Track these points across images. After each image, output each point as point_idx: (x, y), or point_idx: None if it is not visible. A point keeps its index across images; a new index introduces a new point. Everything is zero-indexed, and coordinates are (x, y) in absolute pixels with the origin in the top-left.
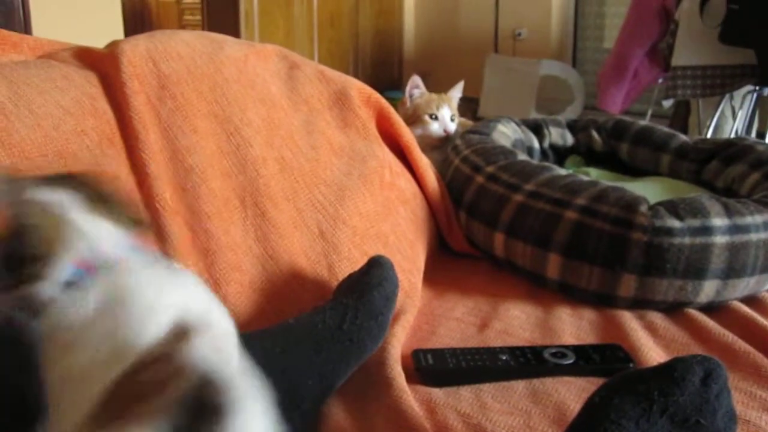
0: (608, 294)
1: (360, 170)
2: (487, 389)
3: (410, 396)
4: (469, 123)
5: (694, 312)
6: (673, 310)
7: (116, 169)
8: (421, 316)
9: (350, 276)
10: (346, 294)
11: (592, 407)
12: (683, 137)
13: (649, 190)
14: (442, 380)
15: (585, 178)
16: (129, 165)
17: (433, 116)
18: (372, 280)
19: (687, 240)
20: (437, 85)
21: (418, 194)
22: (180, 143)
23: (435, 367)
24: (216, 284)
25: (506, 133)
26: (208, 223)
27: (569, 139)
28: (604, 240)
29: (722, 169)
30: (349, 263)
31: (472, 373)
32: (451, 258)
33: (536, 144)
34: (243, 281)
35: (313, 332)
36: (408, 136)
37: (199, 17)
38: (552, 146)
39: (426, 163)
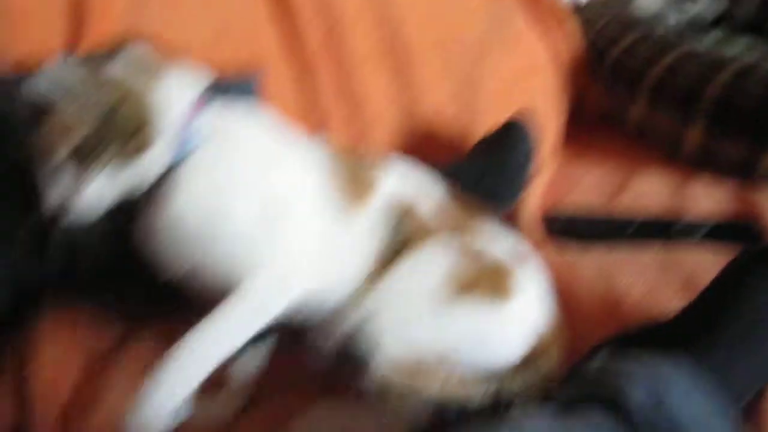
0: (750, 163)
1: (500, 32)
2: (617, 254)
3: (543, 253)
4: None
5: None
6: None
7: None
8: (553, 180)
9: (488, 135)
10: (485, 152)
11: (722, 279)
12: None
13: None
14: (573, 243)
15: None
16: (279, 14)
17: None
18: (508, 142)
19: None
20: None
21: (556, 60)
22: None
23: (568, 228)
24: (362, 131)
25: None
26: (356, 72)
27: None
28: (753, 107)
29: None
30: (485, 123)
31: (603, 238)
32: (584, 126)
33: (678, 15)
34: (386, 129)
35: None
36: (547, 1)
37: None
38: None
39: (566, 30)
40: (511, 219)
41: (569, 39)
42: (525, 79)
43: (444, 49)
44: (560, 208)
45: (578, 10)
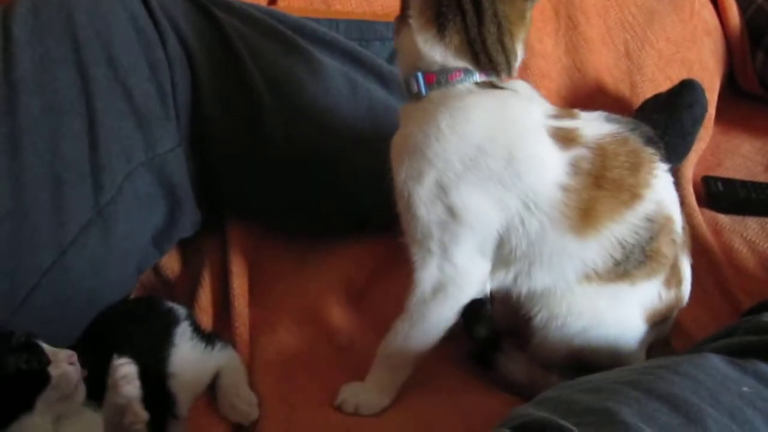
0: None
1: None
2: None
3: (699, 215)
4: None
5: None
6: None
7: None
8: (707, 147)
9: (658, 95)
10: (656, 111)
11: None
12: None
13: None
14: (730, 207)
15: None
16: None
17: None
18: (683, 101)
19: None
20: None
21: (719, 28)
22: None
23: (725, 194)
24: None
25: None
26: None
27: None
28: None
29: None
30: (652, 84)
31: (760, 207)
32: (739, 97)
33: None
34: (551, 88)
35: None
36: None
37: None
38: None
39: None
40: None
41: (733, 6)
42: (694, 42)
43: (617, 9)
44: (715, 173)
45: None
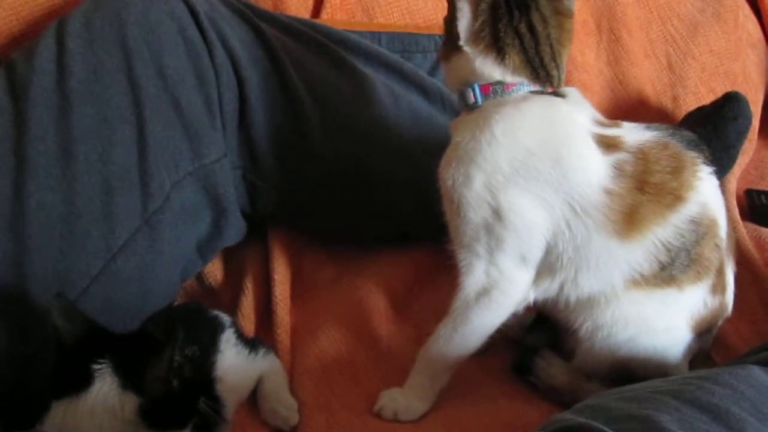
0: None
1: (714, 8)
2: None
3: (743, 228)
4: None
5: None
6: None
7: None
8: (750, 161)
9: (702, 108)
10: (699, 124)
11: None
12: None
13: None
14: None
15: None
16: None
17: None
18: (727, 114)
19: None
20: None
21: (763, 40)
22: None
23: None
24: None
25: None
26: None
27: None
28: None
29: None
30: (695, 97)
31: None
32: None
33: None
34: (593, 100)
35: None
36: None
37: None
38: None
39: None
40: None
41: None
42: (738, 55)
43: (659, 21)
44: (758, 186)
45: None
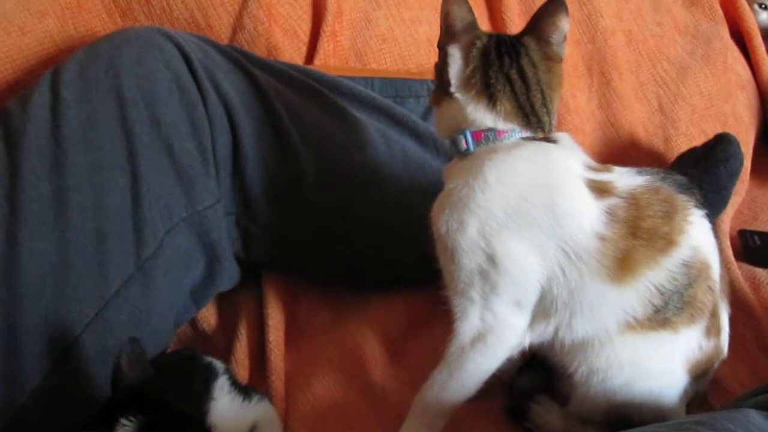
0: None
1: (704, 50)
2: None
3: (737, 269)
4: None
5: None
6: None
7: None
8: (743, 201)
9: (693, 149)
10: (691, 165)
11: None
12: None
13: None
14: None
15: None
16: (490, 25)
17: (763, 6)
18: (719, 155)
19: None
20: None
21: (753, 82)
22: (536, 7)
23: (762, 248)
24: None
25: None
26: None
27: None
28: None
29: None
30: (686, 139)
31: None
32: None
33: None
34: (585, 143)
35: None
36: (750, 21)
37: None
38: None
39: (763, 52)
40: None
41: (766, 60)
42: (728, 96)
43: (650, 64)
44: (751, 226)
45: None
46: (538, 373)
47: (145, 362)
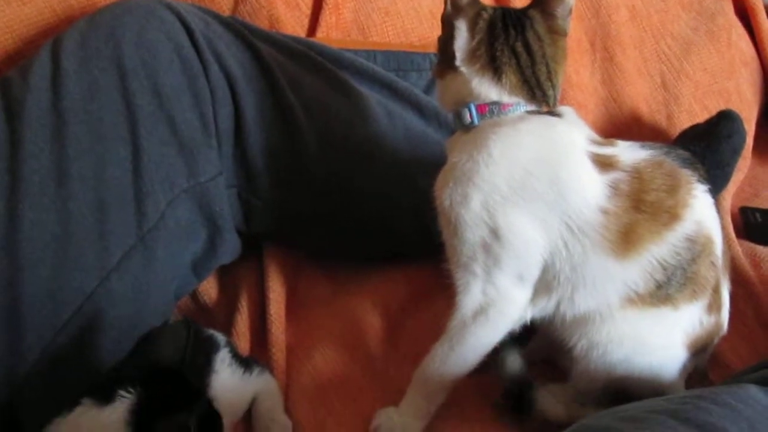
0: None
1: (707, 26)
2: None
3: (738, 246)
4: None
5: None
6: None
7: None
8: (744, 178)
9: (696, 126)
10: (693, 142)
11: None
12: None
13: None
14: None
15: None
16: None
17: None
18: (722, 132)
19: None
20: None
21: (756, 59)
22: None
23: (763, 225)
24: None
25: None
26: None
27: None
28: None
29: None
30: (689, 115)
31: None
32: None
33: None
34: (587, 119)
35: None
36: None
37: None
38: None
39: (767, 29)
40: None
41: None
42: (731, 73)
43: (653, 40)
44: (752, 203)
45: None
46: (520, 356)
47: (179, 341)
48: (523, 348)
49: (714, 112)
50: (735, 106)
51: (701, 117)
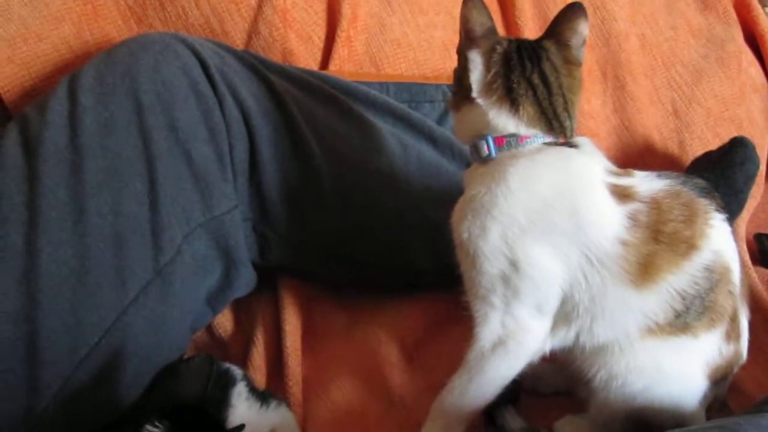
0: None
1: (717, 54)
2: None
3: (754, 272)
4: None
5: None
6: None
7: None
8: (758, 204)
9: (709, 153)
10: (707, 169)
11: None
12: None
13: None
14: None
15: None
16: (504, 28)
17: None
18: (735, 159)
19: None
20: None
21: (766, 85)
22: (550, 12)
23: None
24: None
25: None
26: None
27: None
28: None
29: None
30: (701, 143)
31: None
32: None
33: None
34: (600, 147)
35: None
36: (764, 24)
37: None
38: None
39: None
40: None
41: None
42: (742, 100)
43: (664, 68)
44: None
45: None
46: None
47: (204, 378)
48: (514, 406)
49: (726, 139)
50: (746, 133)
51: (713, 144)
